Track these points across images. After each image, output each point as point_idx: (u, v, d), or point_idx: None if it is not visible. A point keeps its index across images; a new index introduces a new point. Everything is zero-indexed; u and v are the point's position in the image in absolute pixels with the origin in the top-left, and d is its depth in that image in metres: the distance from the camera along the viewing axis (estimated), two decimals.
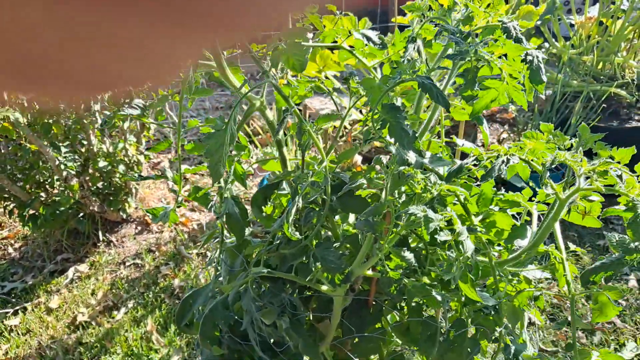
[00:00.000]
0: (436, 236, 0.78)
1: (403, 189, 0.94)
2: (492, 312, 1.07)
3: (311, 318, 1.20)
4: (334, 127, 1.79)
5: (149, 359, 2.44)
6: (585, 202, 1.08)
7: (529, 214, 1.19)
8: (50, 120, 2.38)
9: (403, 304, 1.16)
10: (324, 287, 0.98)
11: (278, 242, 1.12)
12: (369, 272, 0.97)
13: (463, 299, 1.06)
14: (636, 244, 0.82)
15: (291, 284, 1.11)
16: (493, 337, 1.04)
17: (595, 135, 1.01)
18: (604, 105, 3.24)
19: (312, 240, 1.02)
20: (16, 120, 2.16)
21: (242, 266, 1.12)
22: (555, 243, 0.90)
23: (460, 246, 0.79)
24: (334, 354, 1.13)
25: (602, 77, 3.56)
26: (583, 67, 3.63)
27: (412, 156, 0.86)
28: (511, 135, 3.95)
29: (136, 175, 2.88)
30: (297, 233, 0.99)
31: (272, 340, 1.21)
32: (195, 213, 3.58)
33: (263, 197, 1.12)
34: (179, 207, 1.44)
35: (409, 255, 0.89)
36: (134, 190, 3.25)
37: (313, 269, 0.99)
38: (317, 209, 1.03)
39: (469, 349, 1.03)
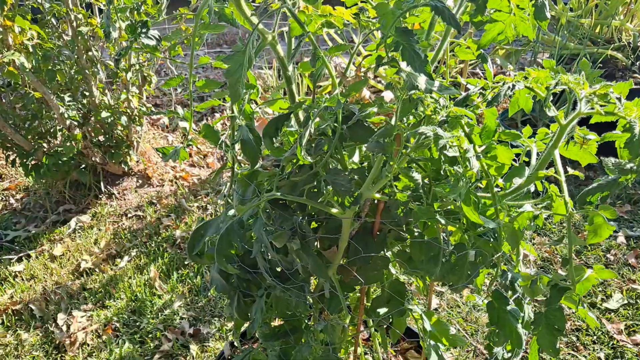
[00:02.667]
0: (445, 152, 0.83)
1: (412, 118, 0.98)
2: (492, 240, 1.13)
3: (318, 246, 1.25)
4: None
5: (152, 304, 2.51)
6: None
7: (528, 155, 1.24)
8: (56, 68, 2.39)
9: (406, 235, 1.22)
10: (334, 210, 1.03)
11: (289, 172, 1.16)
12: (378, 195, 1.02)
13: (465, 225, 1.12)
14: (631, 164, 0.87)
15: (301, 211, 1.16)
16: (492, 263, 1.10)
17: (595, 72, 1.05)
18: (600, 66, 3.28)
19: (322, 168, 1.06)
20: (22, 65, 2.17)
21: (254, 195, 1.16)
22: (555, 168, 0.95)
23: (467, 162, 0.84)
24: (340, 278, 1.19)
25: (599, 40, 3.58)
26: (581, 30, 3.65)
27: (422, 80, 0.90)
28: None
29: (139, 126, 2.91)
30: (309, 158, 1.03)
31: (279, 269, 1.27)
32: (195, 168, 3.63)
33: (274, 129, 1.17)
34: (188, 145, 1.49)
35: (416, 175, 0.94)
36: (135, 144, 3.28)
37: (324, 191, 1.04)
38: (328, 137, 1.08)
39: (469, 272, 1.09)
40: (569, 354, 2.18)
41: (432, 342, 1.37)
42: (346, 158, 1.26)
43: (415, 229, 1.18)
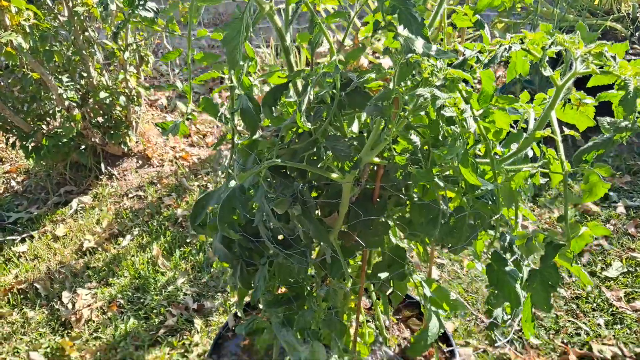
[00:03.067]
0: (442, 112, 0.84)
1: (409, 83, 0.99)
2: (490, 202, 1.15)
3: (319, 213, 1.27)
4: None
5: (155, 281, 2.54)
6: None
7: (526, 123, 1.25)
8: (53, 49, 2.39)
9: (406, 201, 1.23)
10: (334, 175, 1.05)
11: (288, 141, 1.18)
12: (377, 159, 1.03)
13: (463, 188, 1.13)
14: (626, 122, 0.88)
15: (301, 179, 1.18)
16: (490, 225, 1.12)
17: (591, 34, 1.06)
18: (599, 37, 3.27)
19: (322, 135, 1.08)
20: (19, 46, 2.17)
21: (255, 163, 1.18)
22: (551, 128, 0.97)
23: (464, 123, 0.85)
24: (341, 243, 1.21)
25: (598, 12, 3.57)
26: (579, 2, 3.63)
27: (419, 43, 0.91)
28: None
29: (137, 106, 2.91)
30: (309, 124, 1.04)
31: (281, 237, 1.29)
32: (195, 148, 3.63)
33: (273, 98, 1.17)
34: (188, 119, 1.49)
35: (415, 138, 0.95)
36: (134, 124, 3.29)
37: (324, 157, 1.06)
38: (327, 105, 1.09)
39: (467, 234, 1.11)
40: (569, 321, 2.21)
41: (432, 308, 1.39)
42: (345, 127, 1.27)
43: (414, 195, 1.20)
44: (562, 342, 2.12)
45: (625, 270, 2.44)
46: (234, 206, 1.05)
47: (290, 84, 1.29)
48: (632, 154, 3.24)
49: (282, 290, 1.48)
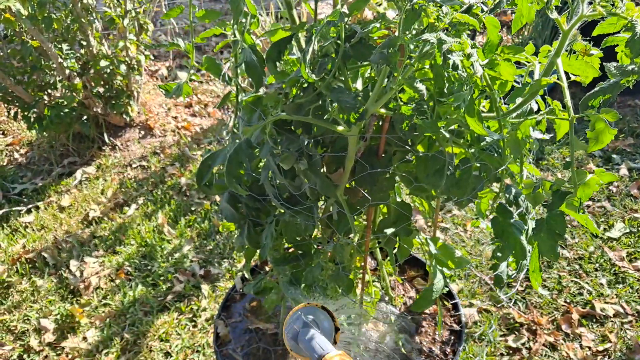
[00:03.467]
0: (449, 56, 0.83)
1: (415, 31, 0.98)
2: (496, 154, 1.15)
3: (325, 171, 1.28)
4: None
5: (162, 249, 2.56)
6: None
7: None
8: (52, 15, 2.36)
9: (411, 157, 1.23)
10: (340, 128, 1.04)
11: (293, 96, 1.17)
12: (383, 110, 1.03)
13: (469, 141, 1.13)
14: (633, 66, 0.87)
15: (307, 134, 1.17)
16: (496, 177, 1.12)
17: None
18: None
19: (326, 88, 1.07)
20: (18, 12, 2.15)
21: (260, 119, 1.18)
22: (557, 75, 0.96)
23: (471, 67, 0.84)
24: (347, 199, 1.21)
25: None
26: None
27: None
28: (509, 37, 3.93)
29: (138, 76, 2.89)
30: (313, 76, 1.04)
31: (287, 195, 1.30)
32: (197, 118, 3.62)
33: (277, 52, 1.16)
34: (191, 80, 1.48)
35: (421, 86, 0.95)
36: (135, 94, 3.27)
37: (329, 109, 1.05)
38: (331, 57, 1.08)
39: (473, 186, 1.11)
40: (571, 281, 2.23)
41: (437, 266, 1.41)
42: (350, 82, 1.26)
43: (419, 151, 1.20)
44: (565, 302, 2.15)
45: (628, 230, 2.45)
46: (241, 160, 1.05)
47: (293, 41, 1.28)
48: (635, 117, 3.22)
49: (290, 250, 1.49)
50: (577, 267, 2.30)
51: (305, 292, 1.43)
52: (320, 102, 1.07)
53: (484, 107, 1.24)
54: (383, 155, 1.22)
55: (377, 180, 1.23)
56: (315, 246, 1.41)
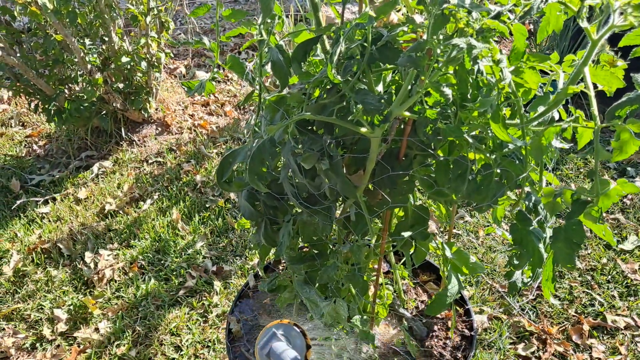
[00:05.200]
0: (478, 61, 0.84)
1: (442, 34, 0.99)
2: (517, 161, 1.15)
3: (345, 171, 1.29)
4: None
5: (175, 244, 2.59)
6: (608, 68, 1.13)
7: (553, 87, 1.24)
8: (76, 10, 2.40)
9: (431, 161, 1.24)
10: (363, 129, 1.06)
11: (317, 96, 1.19)
12: (407, 113, 1.04)
13: (491, 147, 1.14)
14: None
15: (328, 135, 1.19)
16: (517, 184, 1.13)
17: None
18: None
19: (351, 90, 1.08)
20: (44, 5, 2.18)
21: (283, 119, 1.19)
22: (584, 83, 0.96)
23: (500, 73, 0.85)
24: (366, 200, 1.22)
25: None
26: None
27: None
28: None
29: (158, 74, 2.92)
30: (339, 77, 1.05)
31: (305, 195, 1.31)
32: (213, 117, 3.65)
33: (303, 53, 1.18)
34: (213, 79, 1.50)
35: (447, 90, 0.96)
36: (154, 90, 3.30)
37: (354, 111, 1.07)
38: (357, 60, 1.09)
39: (494, 191, 1.11)
40: (583, 292, 2.23)
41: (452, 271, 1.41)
42: (372, 86, 1.27)
43: (440, 154, 1.21)
44: (576, 312, 2.14)
45: None
46: (264, 158, 1.07)
47: (318, 43, 1.29)
48: None
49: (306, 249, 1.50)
50: (589, 278, 2.29)
51: (319, 291, 1.44)
52: (344, 104, 1.09)
53: (504, 114, 1.24)
54: (404, 158, 1.23)
55: (397, 183, 1.24)
56: (331, 246, 1.42)
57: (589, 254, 2.41)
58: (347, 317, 1.46)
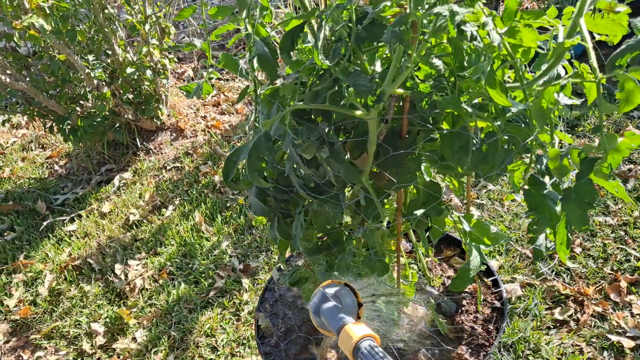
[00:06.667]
0: (463, 27, 0.81)
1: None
2: (523, 125, 1.11)
3: (349, 157, 1.27)
4: None
5: (201, 247, 2.60)
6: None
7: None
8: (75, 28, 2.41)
9: (436, 135, 1.21)
10: (358, 112, 1.03)
11: (310, 84, 1.16)
12: (400, 90, 1.01)
13: (494, 113, 1.10)
14: None
15: (327, 122, 1.16)
16: (525, 148, 1.09)
17: None
18: None
19: (342, 72, 1.06)
20: (41, 27, 2.20)
21: (279, 111, 1.17)
22: (581, 35, 0.92)
23: (488, 36, 0.81)
24: (372, 183, 1.20)
25: None
26: None
27: None
28: (534, 3, 3.80)
29: (164, 80, 2.93)
30: (327, 61, 1.03)
31: (313, 185, 1.29)
32: (225, 115, 3.65)
33: (290, 42, 1.16)
34: (210, 79, 1.49)
35: (437, 62, 0.92)
36: (164, 97, 3.32)
37: (346, 95, 1.04)
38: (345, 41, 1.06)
39: (501, 159, 1.08)
40: (617, 248, 2.16)
41: (473, 244, 1.38)
42: (367, 65, 1.24)
43: (444, 127, 1.17)
44: (612, 270, 2.08)
45: None
46: (262, 154, 1.05)
47: (307, 29, 1.26)
48: None
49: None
50: (623, 233, 2.22)
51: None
52: (336, 88, 1.06)
53: (509, 77, 1.20)
54: (407, 136, 1.20)
55: (402, 162, 1.22)
56: (347, 233, 1.40)
57: (619, 209, 2.33)
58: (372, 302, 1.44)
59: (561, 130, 1.33)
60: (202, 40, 1.48)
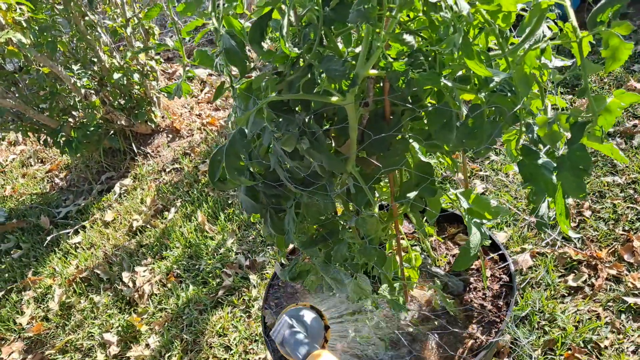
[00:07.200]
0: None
1: None
2: (509, 93, 1.06)
3: (334, 145, 1.22)
4: None
5: (206, 246, 2.58)
6: None
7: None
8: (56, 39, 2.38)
9: (422, 113, 1.16)
10: (334, 98, 0.99)
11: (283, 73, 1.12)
12: (374, 71, 0.96)
13: (477, 85, 1.05)
14: None
15: (305, 109, 1.12)
16: (514, 117, 1.04)
17: None
18: None
19: (316, 58, 1.01)
20: (19, 42, 2.17)
21: (255, 105, 1.13)
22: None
23: (454, 5, 0.76)
24: (360, 170, 1.16)
25: None
26: None
27: None
28: None
29: (154, 82, 2.89)
30: (295, 49, 0.98)
31: (302, 178, 1.25)
32: (220, 111, 3.61)
33: (259, 32, 1.11)
34: (189, 78, 1.45)
35: (408, 37, 0.87)
36: (155, 99, 3.28)
37: (319, 81, 1.00)
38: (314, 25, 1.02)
39: (489, 132, 1.03)
40: (628, 207, 2.10)
41: (473, 219, 1.33)
42: (344, 50, 1.19)
43: (429, 104, 1.12)
44: (624, 230, 2.03)
45: None
46: (238, 151, 1.01)
47: (280, 16, 1.21)
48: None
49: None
50: (632, 192, 2.16)
51: (342, 269, 1.39)
52: (309, 76, 1.02)
53: (495, 44, 1.15)
54: (391, 117, 1.16)
55: (389, 145, 1.17)
56: (342, 223, 1.36)
57: (627, 167, 2.27)
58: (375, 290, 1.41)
59: (554, 94, 1.27)
60: (176, 39, 1.43)
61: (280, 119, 1.14)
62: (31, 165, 3.68)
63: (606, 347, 1.70)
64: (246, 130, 1.04)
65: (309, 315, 0.99)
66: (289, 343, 0.93)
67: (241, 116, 1.17)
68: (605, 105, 0.82)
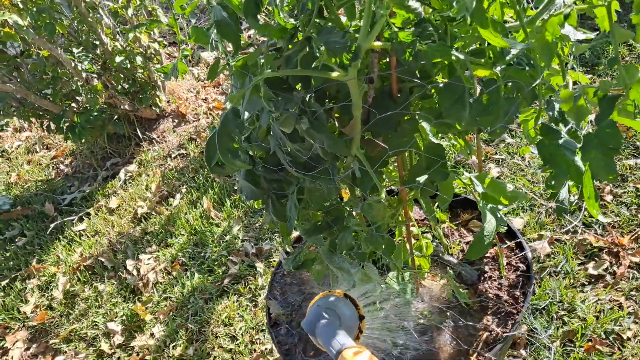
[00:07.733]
0: None
1: None
2: (527, 67, 0.97)
3: (338, 125, 1.14)
4: None
5: (212, 234, 2.52)
6: None
7: None
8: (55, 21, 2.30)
9: (432, 90, 1.07)
10: (334, 74, 0.90)
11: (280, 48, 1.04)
12: (378, 43, 0.88)
13: (492, 58, 0.95)
14: None
15: (304, 87, 1.04)
16: (533, 93, 0.94)
17: None
18: None
19: (315, 29, 0.92)
20: (16, 24, 2.10)
21: (251, 82, 1.05)
22: None
23: None
24: (365, 152, 1.08)
25: None
26: None
27: None
28: None
29: (156, 67, 2.81)
30: (291, 20, 0.89)
31: (304, 161, 1.17)
32: (226, 95, 3.53)
33: (254, 3, 1.02)
34: (185, 57, 1.37)
35: (414, 4, 0.79)
36: (160, 83, 3.21)
37: (318, 54, 0.91)
38: None
39: (505, 109, 0.94)
40: None
41: (488, 205, 1.24)
42: (347, 23, 1.10)
43: (439, 80, 1.03)
44: None
45: None
46: (231, 132, 0.93)
47: None
48: None
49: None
50: None
51: (348, 258, 1.32)
52: (307, 49, 0.93)
53: (512, 17, 1.05)
54: (399, 95, 1.07)
55: (397, 125, 1.08)
56: (348, 209, 1.28)
57: None
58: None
59: (575, 70, 1.17)
60: (169, 16, 1.34)
61: (280, 98, 1.06)
62: (36, 152, 3.64)
63: (629, 339, 1.61)
64: (240, 110, 0.95)
65: (342, 304, 0.92)
66: (321, 334, 0.86)
67: (235, 94, 1.09)
68: (639, 76, 0.73)
